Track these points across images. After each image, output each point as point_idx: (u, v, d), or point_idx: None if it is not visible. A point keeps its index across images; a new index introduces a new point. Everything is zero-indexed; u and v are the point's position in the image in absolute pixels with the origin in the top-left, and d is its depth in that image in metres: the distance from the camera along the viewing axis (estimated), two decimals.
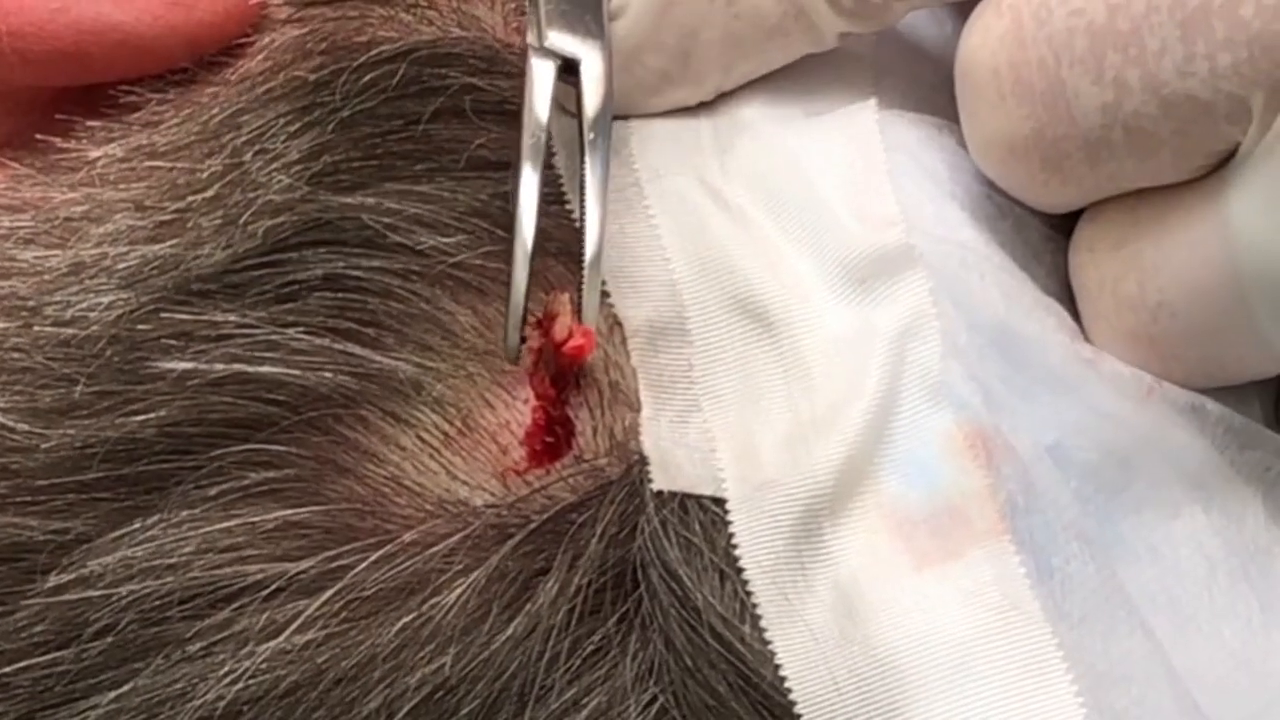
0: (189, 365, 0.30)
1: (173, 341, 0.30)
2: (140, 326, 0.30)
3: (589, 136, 0.31)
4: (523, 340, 0.30)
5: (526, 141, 0.31)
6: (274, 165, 0.31)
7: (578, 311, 0.31)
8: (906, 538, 0.30)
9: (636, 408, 0.31)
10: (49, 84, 0.33)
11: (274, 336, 0.30)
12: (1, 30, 0.31)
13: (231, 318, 0.30)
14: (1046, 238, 0.34)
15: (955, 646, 0.29)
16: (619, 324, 0.31)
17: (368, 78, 0.31)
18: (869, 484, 0.30)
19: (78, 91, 0.33)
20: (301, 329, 0.30)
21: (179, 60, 0.33)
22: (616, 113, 0.32)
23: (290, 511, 0.29)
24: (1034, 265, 0.33)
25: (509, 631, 0.29)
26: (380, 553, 0.29)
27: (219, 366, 0.30)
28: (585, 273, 0.31)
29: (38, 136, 0.33)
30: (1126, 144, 0.30)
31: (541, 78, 0.31)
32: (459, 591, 0.29)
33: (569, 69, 0.32)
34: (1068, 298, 0.33)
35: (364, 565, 0.29)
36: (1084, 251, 0.33)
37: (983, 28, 0.31)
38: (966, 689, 0.29)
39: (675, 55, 0.32)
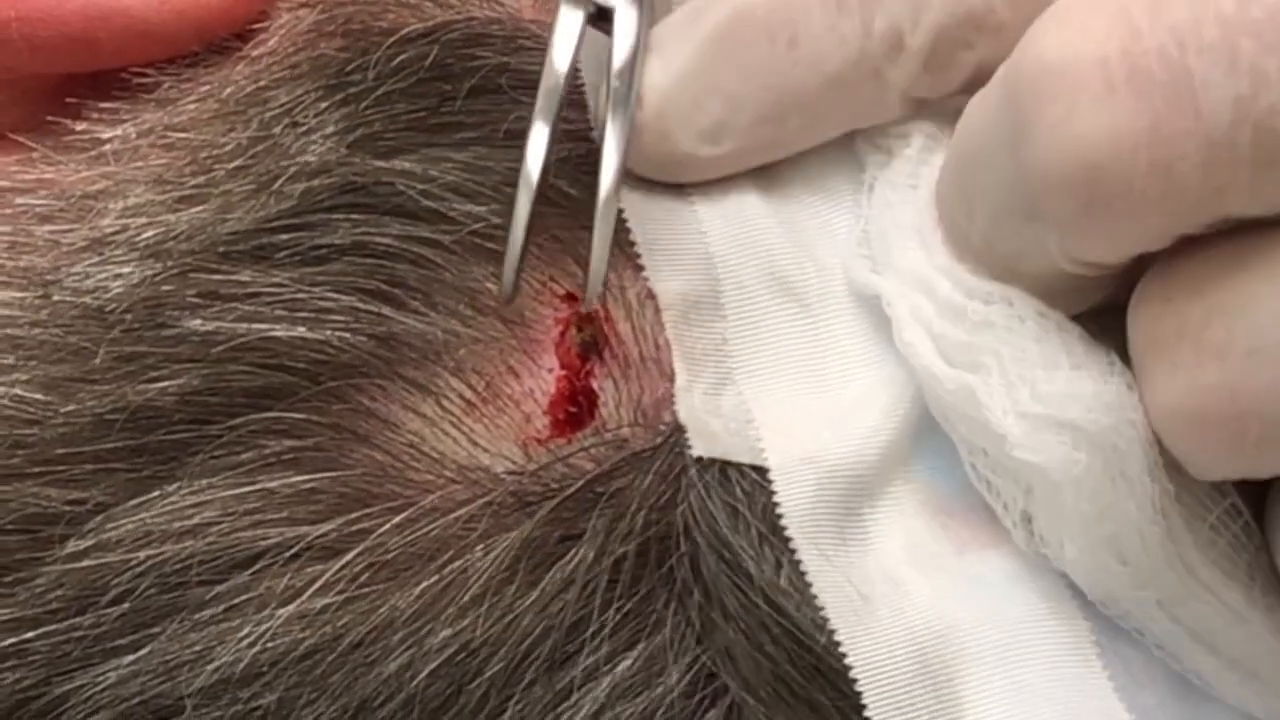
0: (212, 326, 0.30)
1: (197, 300, 0.30)
2: (164, 288, 0.30)
3: (614, 85, 0.31)
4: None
5: (543, 86, 0.30)
6: (308, 137, 0.31)
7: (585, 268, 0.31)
8: (943, 525, 0.30)
9: (668, 379, 0.31)
10: (57, 70, 0.33)
11: (300, 295, 0.30)
12: (10, 16, 0.31)
13: (258, 277, 0.30)
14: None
15: (1007, 623, 0.29)
16: (651, 296, 0.31)
17: (399, 59, 0.31)
18: (902, 470, 0.30)
19: (86, 78, 0.33)
20: (328, 288, 0.30)
21: (187, 45, 0.33)
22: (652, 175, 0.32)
23: (309, 478, 0.29)
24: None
25: (535, 595, 0.29)
26: (401, 517, 0.29)
27: (241, 328, 0.30)
28: (596, 220, 0.30)
29: (49, 119, 0.33)
30: (1252, 148, 0.25)
31: (566, 26, 0.30)
32: (484, 556, 0.29)
33: (602, 16, 0.31)
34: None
35: (385, 529, 0.29)
36: (1158, 303, 0.28)
37: (1077, 21, 0.26)
38: (1020, 665, 0.29)
39: (725, 108, 0.31)
